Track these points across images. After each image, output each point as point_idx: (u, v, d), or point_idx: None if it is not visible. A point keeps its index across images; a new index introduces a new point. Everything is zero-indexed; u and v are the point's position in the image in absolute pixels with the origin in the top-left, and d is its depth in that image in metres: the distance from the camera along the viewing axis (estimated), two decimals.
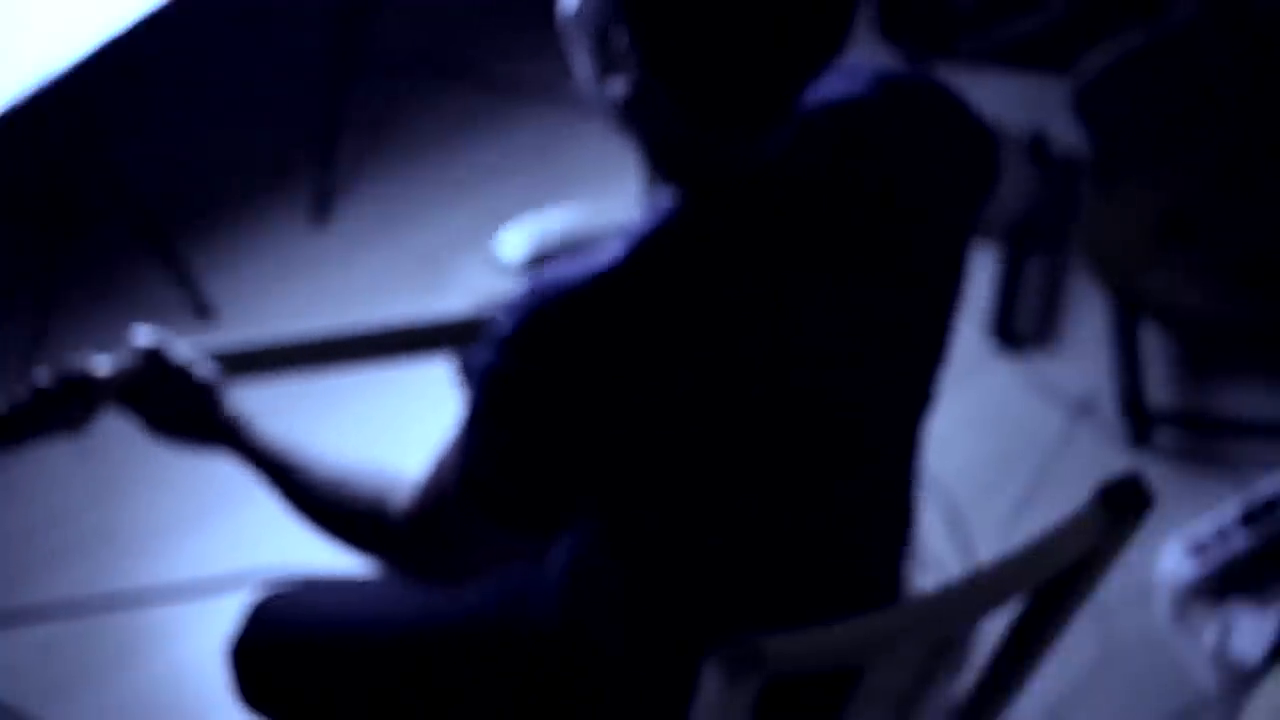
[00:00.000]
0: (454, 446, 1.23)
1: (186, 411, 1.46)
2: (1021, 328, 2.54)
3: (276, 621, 1.56)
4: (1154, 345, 2.48)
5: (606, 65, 1.15)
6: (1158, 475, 2.32)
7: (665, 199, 1.19)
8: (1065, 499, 2.31)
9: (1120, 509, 1.25)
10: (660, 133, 1.17)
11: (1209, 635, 2.06)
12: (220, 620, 2.18)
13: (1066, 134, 2.66)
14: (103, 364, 1.45)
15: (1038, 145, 2.66)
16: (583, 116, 2.84)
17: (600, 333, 1.14)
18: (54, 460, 2.42)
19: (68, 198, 2.69)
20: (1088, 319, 2.54)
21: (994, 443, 2.39)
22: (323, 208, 2.73)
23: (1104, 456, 2.36)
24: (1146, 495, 1.26)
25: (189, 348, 1.49)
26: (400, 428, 2.42)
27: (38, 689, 2.14)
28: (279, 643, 1.55)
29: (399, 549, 1.32)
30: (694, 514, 1.25)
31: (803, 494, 1.29)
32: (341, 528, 1.36)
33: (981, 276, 2.60)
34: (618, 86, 1.14)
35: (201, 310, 2.59)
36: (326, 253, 2.69)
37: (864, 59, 1.29)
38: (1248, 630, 2.03)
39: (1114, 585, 2.16)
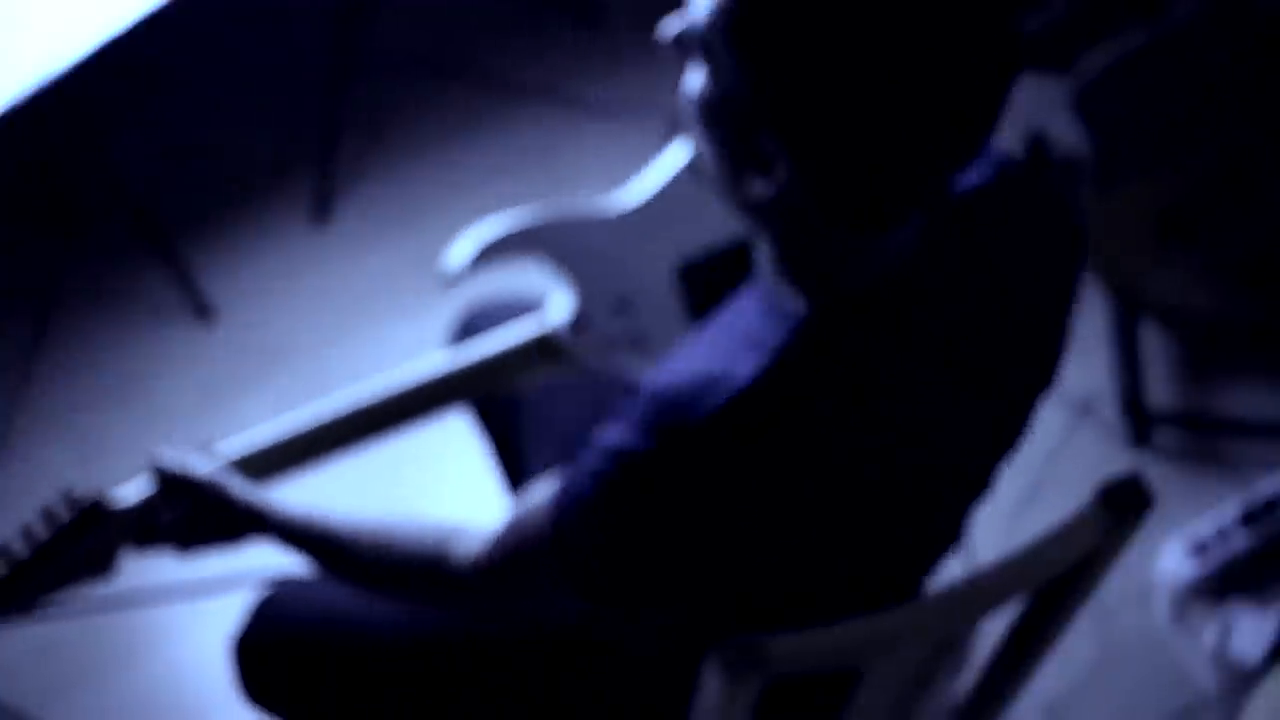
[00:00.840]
0: (549, 508, 1.21)
1: (205, 517, 1.45)
2: None
3: (281, 617, 1.56)
4: (1154, 345, 2.48)
5: (747, 165, 1.10)
6: (1158, 475, 2.32)
7: (789, 303, 1.16)
8: (1065, 499, 2.31)
9: (1120, 509, 1.25)
10: (798, 234, 1.14)
11: (1209, 635, 2.06)
12: (220, 620, 2.17)
13: (1066, 134, 2.66)
14: (122, 495, 1.44)
15: (1038, 145, 2.66)
16: (583, 117, 2.84)
17: (735, 452, 1.12)
18: (54, 460, 2.42)
19: (68, 198, 2.69)
20: (1088, 319, 2.54)
21: None
22: (323, 208, 2.73)
23: (1104, 456, 2.35)
24: (1146, 495, 1.26)
25: (178, 451, 1.48)
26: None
27: (38, 689, 2.14)
28: (283, 638, 1.55)
29: (464, 597, 1.31)
30: (771, 582, 1.24)
31: (874, 561, 1.29)
32: (398, 583, 1.35)
33: None
34: (759, 187, 1.10)
35: (201, 310, 2.59)
36: (326, 253, 2.69)
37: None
38: (1248, 630, 2.03)
39: (1114, 585, 2.16)
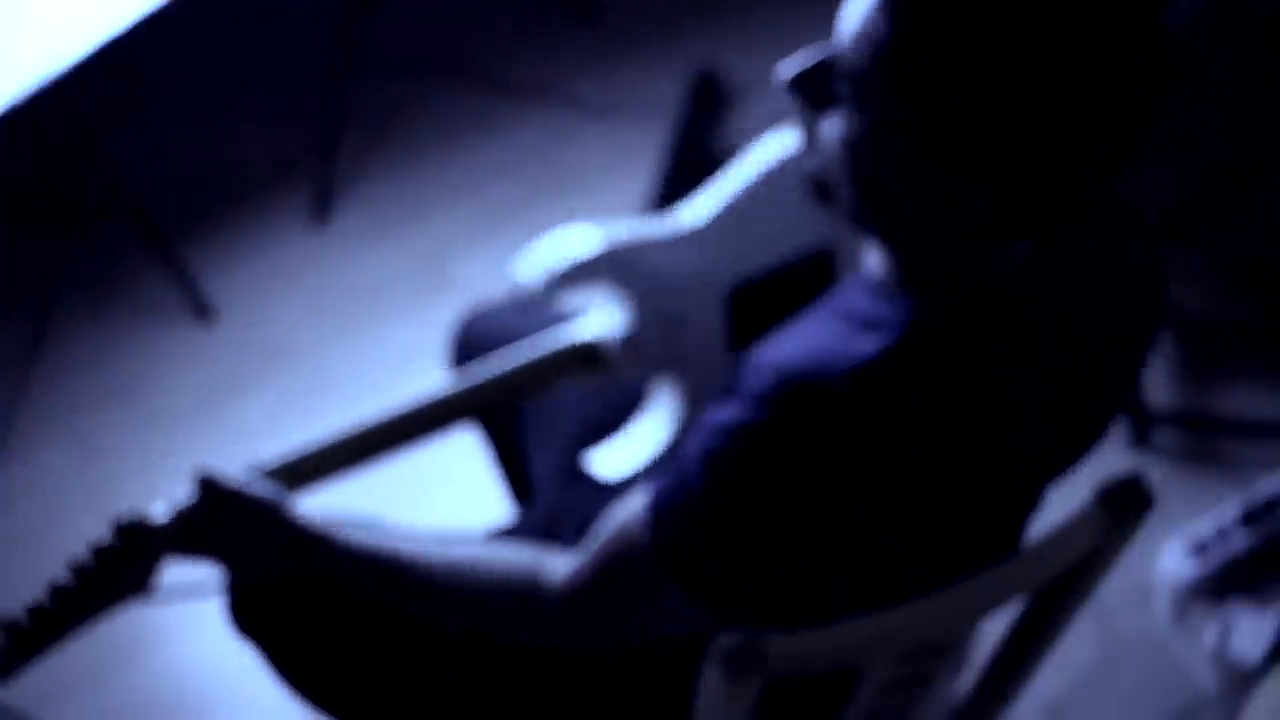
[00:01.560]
0: (644, 513, 1.19)
1: (256, 537, 1.39)
2: None
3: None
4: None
5: (947, 215, 1.09)
6: (1158, 475, 2.32)
7: (904, 298, 1.16)
8: (1065, 499, 2.32)
9: (1120, 509, 1.25)
10: (932, 247, 1.14)
11: (1209, 635, 2.06)
12: (220, 620, 2.18)
13: None
14: (159, 511, 1.41)
15: None
16: (583, 117, 2.85)
17: (852, 427, 1.12)
18: (54, 461, 2.42)
19: (68, 198, 2.69)
20: None
21: None
22: (323, 208, 2.73)
23: (1104, 456, 2.35)
24: (1146, 495, 1.26)
25: (239, 471, 1.44)
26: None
27: (38, 689, 2.14)
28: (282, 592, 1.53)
29: (558, 626, 1.29)
30: (852, 575, 1.24)
31: (932, 564, 1.28)
32: (483, 615, 1.32)
33: None
34: (937, 219, 1.10)
35: (201, 310, 2.59)
36: (326, 253, 2.69)
37: None
38: (1248, 630, 2.03)
39: (1114, 585, 2.17)
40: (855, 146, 1.10)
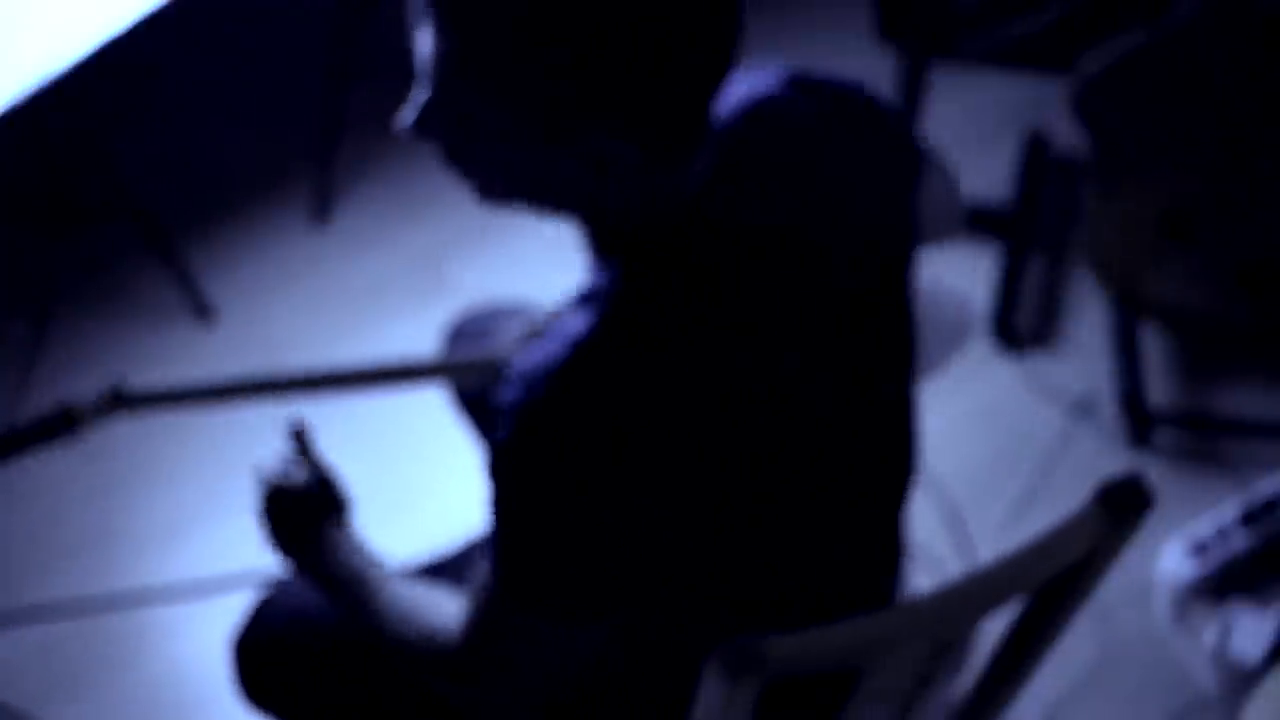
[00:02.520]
0: (488, 563, 1.21)
1: (293, 523, 1.45)
2: (1021, 328, 2.54)
3: (280, 618, 1.56)
4: (1154, 345, 2.48)
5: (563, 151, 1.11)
6: (1158, 475, 2.32)
7: (608, 263, 1.17)
8: (1065, 499, 2.31)
9: (1120, 509, 1.25)
10: (592, 194, 1.14)
11: (1209, 635, 2.06)
12: (220, 620, 2.17)
13: (1066, 134, 2.66)
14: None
15: (1037, 145, 2.66)
16: None
17: (595, 396, 1.12)
18: (54, 460, 2.42)
19: (68, 198, 2.69)
20: (1088, 319, 2.54)
21: (994, 443, 2.39)
22: (323, 208, 2.73)
23: (1104, 456, 2.36)
24: (1146, 495, 1.26)
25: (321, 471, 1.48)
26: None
27: (38, 689, 2.14)
28: (282, 639, 1.55)
29: (455, 681, 1.29)
30: (701, 551, 1.23)
31: (800, 529, 1.28)
32: (409, 662, 1.34)
33: (981, 276, 2.60)
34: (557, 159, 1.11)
35: (201, 310, 2.59)
36: (326, 253, 2.69)
37: (806, 63, 1.31)
38: (1248, 630, 2.03)
39: (1114, 585, 2.16)
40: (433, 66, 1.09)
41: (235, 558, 2.27)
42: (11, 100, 1.88)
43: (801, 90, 1.25)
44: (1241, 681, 2.02)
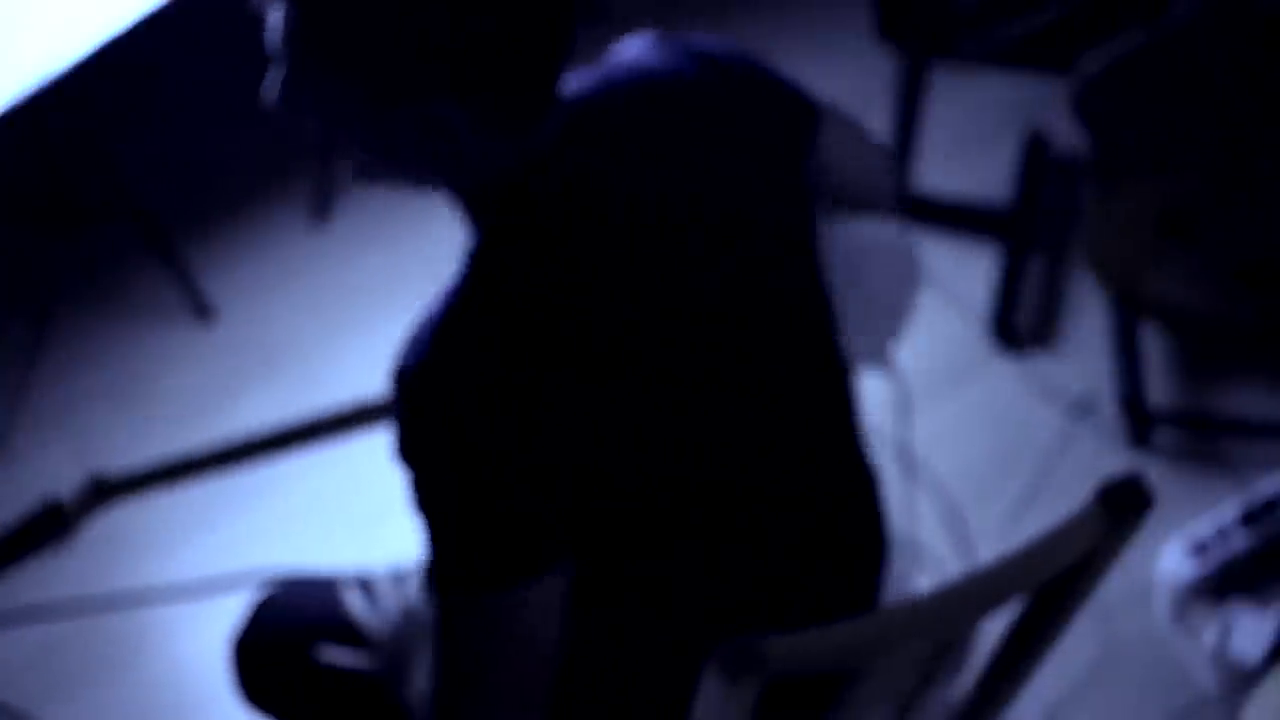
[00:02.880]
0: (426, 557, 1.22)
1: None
2: (1021, 328, 2.54)
3: (279, 619, 1.56)
4: (1154, 345, 2.48)
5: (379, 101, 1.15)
6: (1158, 475, 2.32)
7: (470, 224, 1.22)
8: (1065, 499, 2.32)
9: (1120, 509, 1.25)
10: (446, 160, 1.19)
11: (1209, 635, 2.06)
12: (220, 620, 2.18)
13: (1066, 134, 2.66)
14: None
15: (1037, 145, 2.67)
16: None
17: (477, 348, 1.15)
18: (54, 460, 2.42)
19: (68, 198, 2.69)
20: (1088, 319, 2.54)
21: (994, 443, 2.39)
22: (323, 208, 2.73)
23: (1104, 456, 2.36)
24: (1146, 495, 1.25)
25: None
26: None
27: (38, 689, 2.14)
28: (281, 641, 1.55)
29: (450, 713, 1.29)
30: (640, 490, 1.25)
31: (738, 457, 1.29)
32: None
33: (981, 276, 2.60)
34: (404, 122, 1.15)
35: (201, 310, 2.59)
36: (326, 253, 2.69)
37: (693, 39, 1.34)
38: (1248, 630, 2.03)
39: (1114, 585, 2.17)
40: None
41: (235, 558, 2.27)
42: (11, 100, 1.88)
43: (686, 58, 1.30)
44: (1241, 681, 2.02)
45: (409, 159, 1.19)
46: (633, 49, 1.32)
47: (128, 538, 2.31)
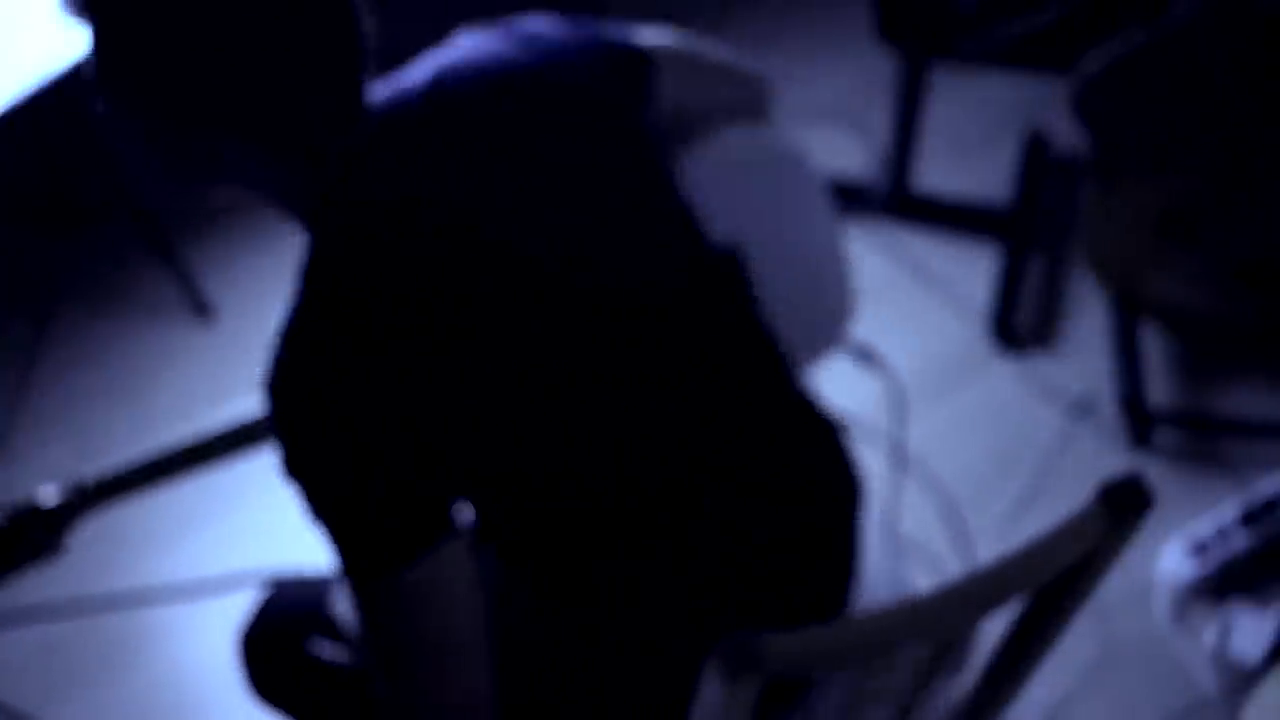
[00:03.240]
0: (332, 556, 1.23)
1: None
2: (1021, 328, 2.54)
3: (282, 614, 1.56)
4: (1154, 345, 2.48)
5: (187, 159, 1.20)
6: (1158, 475, 2.32)
7: (303, 228, 1.25)
8: (1065, 499, 2.32)
9: (1120, 509, 1.25)
10: (251, 175, 1.22)
11: (1209, 635, 2.06)
12: (220, 620, 2.18)
13: (1066, 134, 2.66)
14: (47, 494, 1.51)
15: (1037, 145, 2.67)
16: None
17: (327, 342, 1.17)
18: (54, 460, 2.42)
19: (68, 198, 2.69)
20: (1088, 319, 2.54)
21: (994, 443, 2.39)
22: None
23: (1104, 456, 2.36)
24: (1146, 495, 1.26)
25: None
26: None
27: (38, 689, 2.14)
28: (282, 635, 1.55)
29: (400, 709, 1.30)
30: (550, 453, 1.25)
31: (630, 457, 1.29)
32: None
33: (981, 276, 2.60)
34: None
35: (201, 310, 2.59)
36: None
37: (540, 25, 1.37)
38: (1248, 630, 2.03)
39: (1114, 585, 2.17)
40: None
41: (234, 558, 2.27)
42: (11, 100, 1.88)
43: (515, 44, 1.32)
44: (1241, 681, 2.03)
45: (220, 177, 1.22)
46: (463, 44, 1.35)
47: (126, 538, 2.31)
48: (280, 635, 1.55)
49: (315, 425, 1.16)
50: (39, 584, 2.25)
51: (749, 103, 1.55)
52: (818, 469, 1.43)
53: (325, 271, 1.19)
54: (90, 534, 2.32)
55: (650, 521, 1.30)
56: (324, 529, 1.20)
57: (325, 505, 1.19)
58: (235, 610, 2.20)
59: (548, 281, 1.24)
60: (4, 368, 2.52)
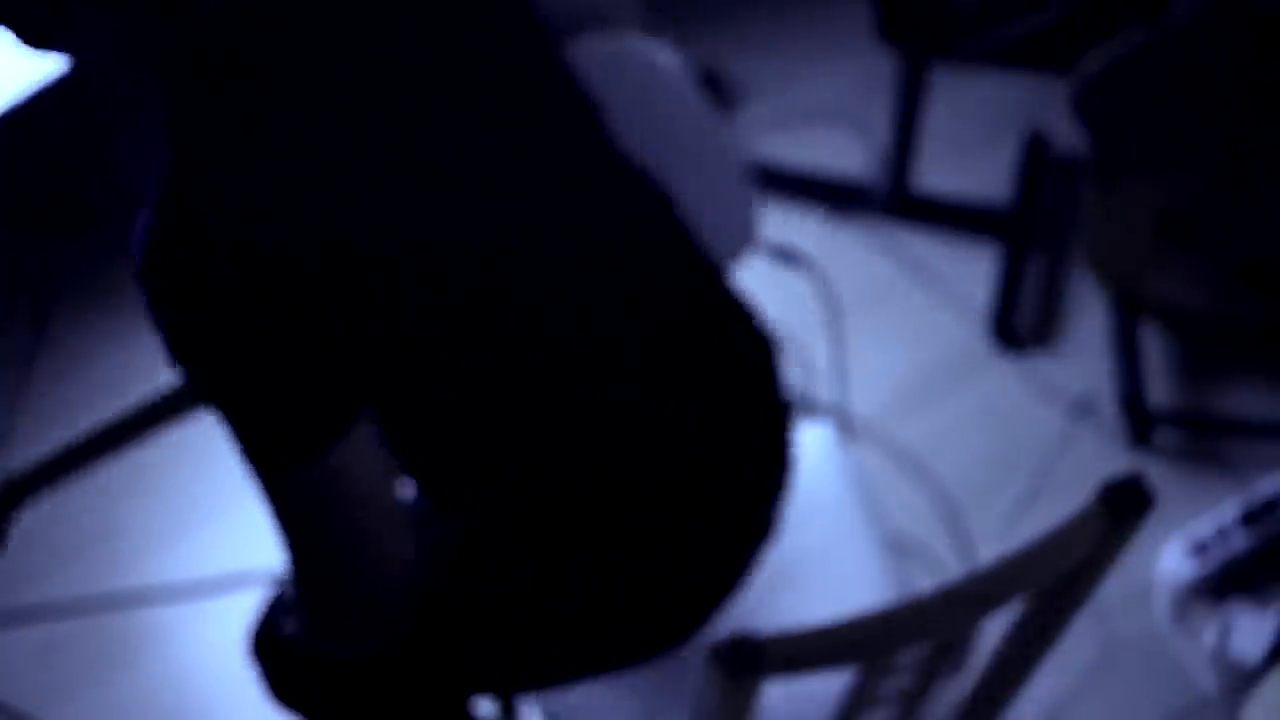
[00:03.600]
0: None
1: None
2: (1021, 328, 2.54)
3: (285, 611, 1.55)
4: (1154, 345, 2.48)
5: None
6: (1158, 475, 2.32)
7: (161, 98, 1.17)
8: (1065, 499, 2.31)
9: (1120, 509, 1.25)
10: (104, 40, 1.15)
11: (1209, 635, 2.06)
12: (220, 620, 2.18)
13: (1066, 134, 2.66)
14: None
15: (1037, 145, 2.67)
16: None
17: (200, 214, 1.10)
18: None
19: (68, 198, 2.69)
20: (1088, 319, 2.54)
21: (994, 443, 2.39)
22: None
23: (1104, 456, 2.36)
24: (1147, 495, 1.26)
25: None
26: None
27: (38, 689, 2.14)
28: (284, 633, 1.54)
29: (331, 619, 1.28)
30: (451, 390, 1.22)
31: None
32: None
33: (981, 276, 2.60)
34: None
35: None
36: None
37: None
38: (1248, 630, 2.03)
39: (1114, 585, 2.17)
40: None
41: (234, 558, 2.27)
42: (11, 100, 1.88)
43: None
44: (1241, 681, 2.02)
45: (69, 37, 1.14)
46: None
47: (128, 538, 2.31)
48: (281, 635, 1.55)
49: (200, 299, 1.10)
50: (39, 584, 2.25)
51: (610, 9, 1.50)
52: (751, 379, 1.41)
53: (196, 137, 1.12)
54: (90, 534, 2.32)
55: (577, 418, 1.27)
56: (222, 415, 1.14)
57: (224, 389, 1.13)
58: (235, 610, 2.20)
59: (428, 151, 1.18)
60: (4, 368, 2.52)
